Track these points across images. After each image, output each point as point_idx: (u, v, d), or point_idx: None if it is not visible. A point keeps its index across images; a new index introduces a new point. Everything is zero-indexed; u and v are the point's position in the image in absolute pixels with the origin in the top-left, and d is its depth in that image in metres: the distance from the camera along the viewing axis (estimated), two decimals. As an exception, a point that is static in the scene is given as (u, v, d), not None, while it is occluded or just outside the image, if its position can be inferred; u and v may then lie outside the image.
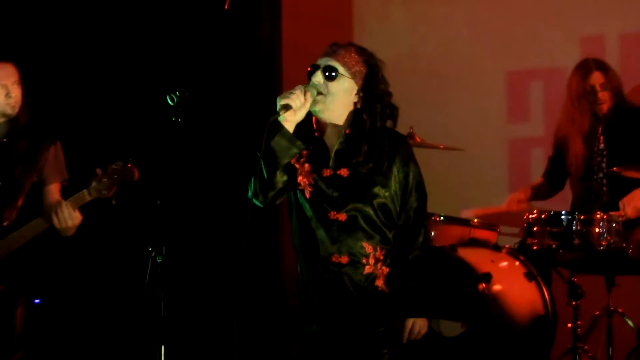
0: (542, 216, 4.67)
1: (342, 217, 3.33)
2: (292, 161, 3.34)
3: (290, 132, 3.28)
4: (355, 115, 3.39)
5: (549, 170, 5.30)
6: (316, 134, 3.42)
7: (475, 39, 6.03)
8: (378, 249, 3.35)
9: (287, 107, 3.25)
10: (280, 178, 3.32)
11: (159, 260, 3.36)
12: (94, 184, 3.81)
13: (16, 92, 4.15)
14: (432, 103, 6.02)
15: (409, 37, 6.18)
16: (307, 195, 3.36)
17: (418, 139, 5.12)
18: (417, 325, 3.40)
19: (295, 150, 3.29)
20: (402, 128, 3.57)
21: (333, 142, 3.41)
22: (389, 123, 3.42)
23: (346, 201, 3.34)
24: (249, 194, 3.36)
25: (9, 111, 4.15)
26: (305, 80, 3.42)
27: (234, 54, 5.76)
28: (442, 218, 4.94)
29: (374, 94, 3.37)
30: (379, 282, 3.35)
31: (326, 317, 3.37)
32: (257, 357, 5.47)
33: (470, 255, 4.79)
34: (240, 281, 5.55)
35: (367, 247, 3.34)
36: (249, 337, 5.50)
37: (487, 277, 4.60)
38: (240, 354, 5.43)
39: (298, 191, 3.38)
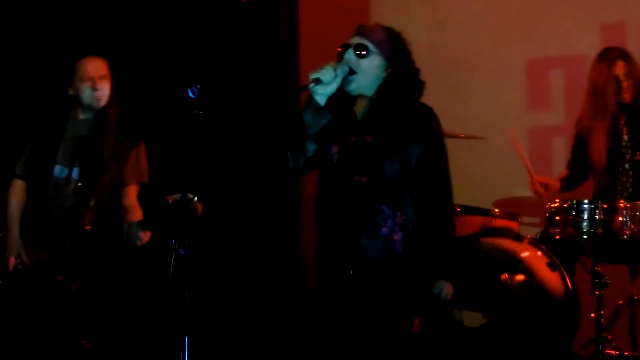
0: (565, 205, 4.64)
1: (364, 179, 3.43)
2: (323, 130, 3.45)
3: (320, 104, 3.42)
4: (383, 87, 3.52)
5: (572, 161, 5.25)
6: (346, 104, 3.53)
7: (494, 27, 5.99)
8: (398, 214, 3.43)
9: (317, 81, 3.39)
10: (310, 146, 3.45)
11: (182, 253, 3.38)
12: (162, 211, 3.79)
13: (102, 86, 4.16)
14: (451, 92, 5.98)
15: (427, 26, 6.14)
16: (334, 162, 3.48)
17: (438, 129, 5.09)
18: (446, 288, 3.44)
19: (324, 121, 3.43)
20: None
21: (361, 111, 3.55)
22: (416, 95, 3.55)
23: (369, 165, 3.44)
24: (283, 161, 3.51)
25: (94, 104, 4.16)
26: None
27: (252, 46, 5.76)
28: (462, 208, 4.93)
29: (403, 68, 3.52)
30: (396, 247, 3.43)
31: (342, 275, 3.45)
32: (276, 346, 5.48)
33: (492, 245, 4.77)
34: (260, 271, 5.59)
35: (386, 210, 3.43)
36: (269, 326, 5.51)
37: (509, 267, 4.58)
38: (261, 343, 5.46)
39: (326, 158, 3.50)
